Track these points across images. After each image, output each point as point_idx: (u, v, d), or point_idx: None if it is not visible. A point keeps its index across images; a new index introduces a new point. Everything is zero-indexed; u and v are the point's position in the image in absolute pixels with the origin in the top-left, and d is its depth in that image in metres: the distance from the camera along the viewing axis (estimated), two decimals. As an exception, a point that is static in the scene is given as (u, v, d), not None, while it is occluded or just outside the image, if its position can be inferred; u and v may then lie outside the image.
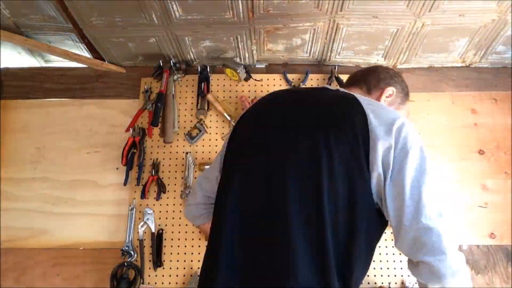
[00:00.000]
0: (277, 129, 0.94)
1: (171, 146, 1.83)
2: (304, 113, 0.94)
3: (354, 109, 0.89)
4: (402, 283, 1.65)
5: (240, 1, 1.47)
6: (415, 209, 0.81)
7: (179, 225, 1.74)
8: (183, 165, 1.80)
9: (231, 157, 1.04)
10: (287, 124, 0.94)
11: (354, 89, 1.14)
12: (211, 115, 1.87)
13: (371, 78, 1.16)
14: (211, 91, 1.90)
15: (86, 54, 1.89)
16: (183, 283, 1.67)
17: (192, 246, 1.71)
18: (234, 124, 1.11)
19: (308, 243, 0.81)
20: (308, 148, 0.86)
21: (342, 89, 1.08)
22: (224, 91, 1.91)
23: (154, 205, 1.75)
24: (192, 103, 1.89)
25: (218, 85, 1.91)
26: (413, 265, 0.85)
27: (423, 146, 0.87)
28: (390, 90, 1.12)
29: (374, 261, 1.68)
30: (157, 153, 1.82)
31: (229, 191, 0.93)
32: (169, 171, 1.80)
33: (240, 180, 0.92)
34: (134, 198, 1.76)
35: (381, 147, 0.83)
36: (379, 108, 0.91)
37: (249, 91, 1.90)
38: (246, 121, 1.07)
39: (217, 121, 1.86)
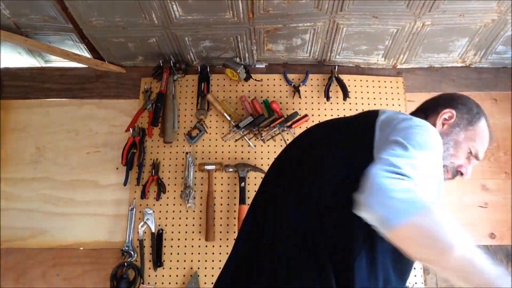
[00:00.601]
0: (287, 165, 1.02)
1: (171, 146, 1.83)
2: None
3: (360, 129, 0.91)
4: (402, 283, 1.65)
5: (240, 1, 1.47)
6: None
7: (179, 225, 1.74)
8: (183, 165, 1.80)
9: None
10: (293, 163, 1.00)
11: None
12: (211, 115, 1.87)
13: (431, 103, 1.12)
14: (211, 91, 1.90)
15: (86, 54, 1.89)
16: (183, 283, 1.67)
17: (192, 246, 1.71)
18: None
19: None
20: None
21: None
22: (224, 91, 1.91)
23: (154, 205, 1.75)
24: (192, 103, 1.89)
25: (218, 85, 1.91)
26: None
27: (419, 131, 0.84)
28: (447, 112, 1.05)
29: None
30: (157, 153, 1.82)
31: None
32: (169, 171, 1.80)
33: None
34: (134, 198, 1.76)
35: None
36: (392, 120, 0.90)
37: (249, 91, 1.90)
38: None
39: (217, 121, 1.86)
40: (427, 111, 1.10)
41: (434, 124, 1.04)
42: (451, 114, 1.05)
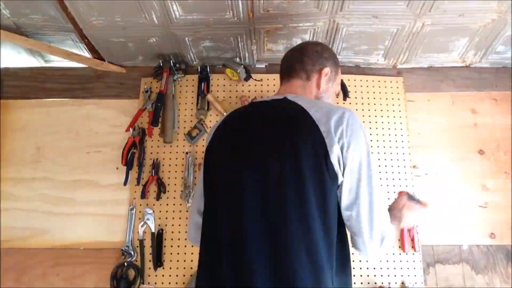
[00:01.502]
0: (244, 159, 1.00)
1: (171, 146, 1.83)
2: (256, 141, 1.01)
3: (305, 125, 0.96)
4: (402, 283, 1.65)
5: (240, 1, 1.47)
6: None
7: (179, 225, 1.74)
8: (183, 165, 1.80)
9: (210, 190, 1.08)
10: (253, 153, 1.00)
11: (295, 81, 1.18)
12: (211, 115, 1.87)
13: (306, 63, 1.18)
14: (211, 91, 1.90)
15: (86, 54, 1.89)
16: (183, 283, 1.67)
17: (192, 246, 1.71)
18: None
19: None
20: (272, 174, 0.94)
21: (290, 96, 1.09)
22: (224, 91, 1.91)
23: (154, 205, 1.75)
24: (192, 103, 1.89)
25: (218, 85, 1.91)
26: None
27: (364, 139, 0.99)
28: (326, 70, 1.17)
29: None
30: (157, 153, 1.82)
31: (216, 222, 0.99)
32: (169, 171, 1.80)
33: (225, 211, 0.98)
34: (134, 198, 1.76)
35: (335, 149, 0.92)
36: (321, 110, 0.99)
37: (249, 91, 1.90)
38: (213, 149, 1.12)
39: (217, 121, 1.86)
40: (306, 71, 1.17)
41: (319, 83, 1.15)
42: (328, 71, 1.17)
